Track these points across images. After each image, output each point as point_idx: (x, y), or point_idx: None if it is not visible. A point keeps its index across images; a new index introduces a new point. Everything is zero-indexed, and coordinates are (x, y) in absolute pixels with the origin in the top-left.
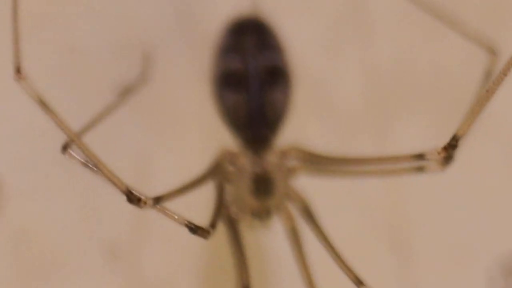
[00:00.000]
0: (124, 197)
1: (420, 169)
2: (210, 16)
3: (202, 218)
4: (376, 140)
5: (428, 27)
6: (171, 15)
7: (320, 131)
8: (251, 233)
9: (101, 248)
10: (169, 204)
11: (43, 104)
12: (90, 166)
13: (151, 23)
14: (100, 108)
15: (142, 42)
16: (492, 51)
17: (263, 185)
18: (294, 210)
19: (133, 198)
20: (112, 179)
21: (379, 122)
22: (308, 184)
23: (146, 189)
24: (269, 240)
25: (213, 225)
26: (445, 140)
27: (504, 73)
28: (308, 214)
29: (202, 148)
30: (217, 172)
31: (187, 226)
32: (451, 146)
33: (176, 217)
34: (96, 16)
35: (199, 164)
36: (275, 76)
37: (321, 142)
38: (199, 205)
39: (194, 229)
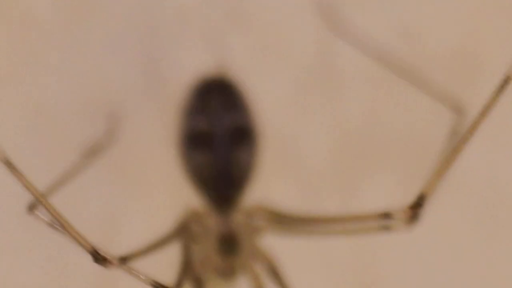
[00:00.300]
0: (91, 257)
1: (387, 228)
2: (177, 77)
3: (169, 277)
4: (344, 198)
5: (396, 86)
6: (139, 76)
7: (287, 190)
8: None
9: None
10: (137, 264)
11: (9, 164)
12: (56, 226)
13: (118, 82)
14: (67, 169)
15: (110, 102)
16: (458, 110)
17: (229, 244)
18: (260, 270)
19: (99, 258)
20: (78, 239)
21: (346, 181)
22: (275, 244)
23: (113, 249)
24: None
25: (179, 285)
26: (410, 200)
27: (470, 132)
28: (275, 274)
29: (169, 208)
30: (183, 231)
31: (153, 286)
32: (417, 205)
33: (142, 277)
34: (62, 76)
35: (166, 223)
36: (241, 136)
37: (288, 201)
38: (166, 264)
39: None
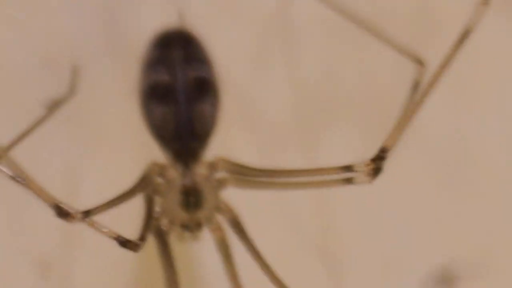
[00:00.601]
0: (53, 212)
1: (349, 181)
2: (137, 29)
3: (133, 231)
4: (305, 152)
5: (355, 39)
6: (99, 29)
7: (249, 144)
8: (181, 245)
9: (31, 263)
10: (100, 218)
11: None
12: (18, 180)
13: (78, 36)
14: (28, 122)
15: (70, 55)
16: (420, 62)
17: (192, 197)
18: (223, 222)
19: (61, 212)
20: (40, 194)
21: (307, 134)
22: (237, 196)
23: (76, 204)
24: (199, 252)
25: (142, 238)
26: (373, 152)
27: (431, 85)
28: (237, 226)
29: (131, 161)
30: (146, 185)
31: (116, 239)
32: (379, 158)
33: (105, 230)
34: (21, 30)
35: (129, 177)
36: (203, 88)
37: (249, 155)
38: (129, 218)
39: (124, 242)
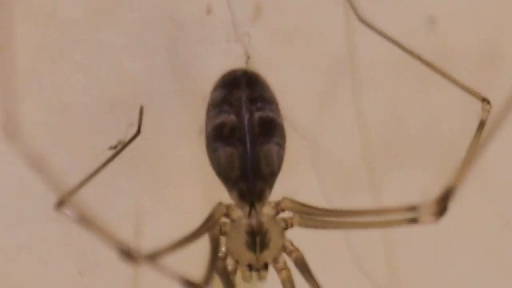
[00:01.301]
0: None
1: (414, 221)
2: (203, 70)
3: (197, 273)
4: (372, 193)
5: (421, 78)
6: (165, 70)
7: (314, 185)
8: (246, 286)
9: None
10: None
11: (36, 162)
12: (82, 223)
13: (145, 78)
14: (94, 165)
15: (137, 97)
16: (486, 101)
17: (258, 237)
18: (289, 262)
19: (126, 256)
20: (104, 237)
21: (374, 175)
22: (302, 237)
23: (141, 246)
24: None
25: (207, 280)
26: (438, 192)
27: (497, 124)
28: (303, 266)
29: (197, 202)
30: (212, 225)
31: (181, 282)
32: (445, 198)
33: (170, 274)
34: (88, 73)
35: (194, 218)
36: (269, 128)
37: (315, 196)
38: (194, 259)
39: (188, 285)
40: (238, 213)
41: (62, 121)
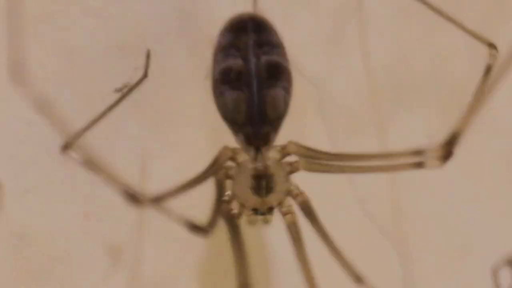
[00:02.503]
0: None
1: (419, 165)
2: (211, 15)
3: (203, 216)
4: (378, 137)
5: (428, 22)
6: (173, 14)
7: (321, 129)
8: (251, 229)
9: (102, 246)
10: (170, 204)
11: (43, 104)
12: (88, 166)
13: (151, 21)
14: (100, 108)
15: (142, 40)
16: (492, 46)
17: (263, 180)
18: (294, 206)
19: (131, 198)
20: (110, 180)
21: (380, 119)
22: (307, 180)
23: (146, 188)
24: (270, 236)
25: (212, 223)
26: (444, 136)
27: (504, 69)
28: (308, 210)
29: (203, 146)
30: (217, 169)
31: (186, 225)
32: (450, 142)
33: (175, 217)
34: (97, 17)
35: (200, 162)
36: (276, 72)
37: (321, 140)
38: (200, 202)
39: (194, 228)
40: (244, 157)
41: (69, 64)
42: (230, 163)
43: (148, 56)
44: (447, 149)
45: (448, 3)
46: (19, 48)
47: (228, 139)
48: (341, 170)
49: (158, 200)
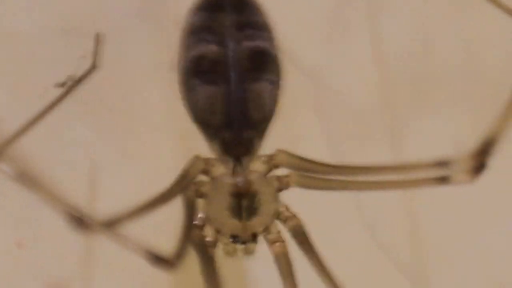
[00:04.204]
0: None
1: (444, 180)
2: None
3: (169, 243)
4: (391, 144)
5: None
6: None
7: (319, 134)
8: (229, 262)
9: (39, 283)
10: (126, 229)
11: None
12: (22, 181)
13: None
14: (38, 107)
15: (92, 22)
16: None
17: (245, 200)
18: (284, 232)
19: (77, 223)
20: (51, 198)
21: (394, 122)
22: (301, 199)
23: (97, 210)
24: (253, 270)
25: (180, 254)
26: (475, 144)
27: None
28: (301, 237)
29: (168, 156)
30: (186, 185)
31: (146, 256)
32: (483, 152)
33: (132, 245)
34: None
35: (164, 176)
36: (261, 62)
37: (319, 147)
38: (164, 227)
39: (156, 260)
40: (220, 169)
41: (5, 51)
42: (202, 178)
43: (98, 41)
44: (479, 160)
45: None
46: None
47: (200, 147)
48: (344, 186)
49: (111, 224)
